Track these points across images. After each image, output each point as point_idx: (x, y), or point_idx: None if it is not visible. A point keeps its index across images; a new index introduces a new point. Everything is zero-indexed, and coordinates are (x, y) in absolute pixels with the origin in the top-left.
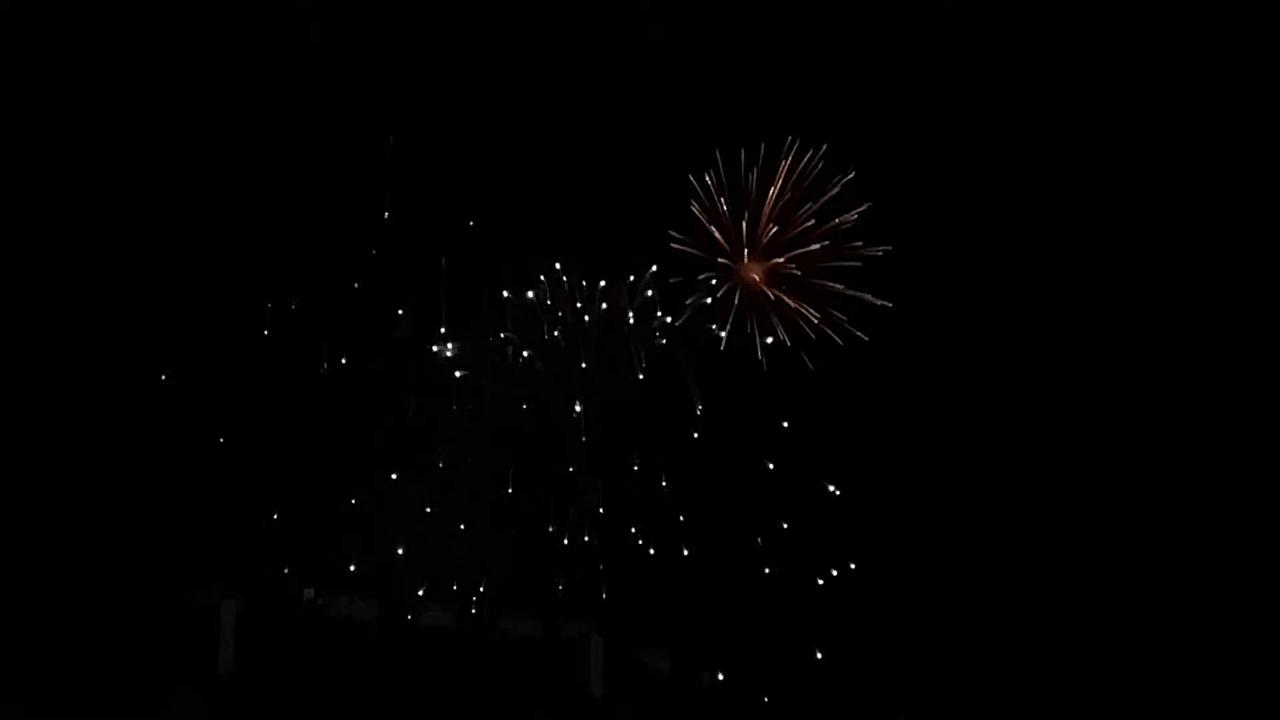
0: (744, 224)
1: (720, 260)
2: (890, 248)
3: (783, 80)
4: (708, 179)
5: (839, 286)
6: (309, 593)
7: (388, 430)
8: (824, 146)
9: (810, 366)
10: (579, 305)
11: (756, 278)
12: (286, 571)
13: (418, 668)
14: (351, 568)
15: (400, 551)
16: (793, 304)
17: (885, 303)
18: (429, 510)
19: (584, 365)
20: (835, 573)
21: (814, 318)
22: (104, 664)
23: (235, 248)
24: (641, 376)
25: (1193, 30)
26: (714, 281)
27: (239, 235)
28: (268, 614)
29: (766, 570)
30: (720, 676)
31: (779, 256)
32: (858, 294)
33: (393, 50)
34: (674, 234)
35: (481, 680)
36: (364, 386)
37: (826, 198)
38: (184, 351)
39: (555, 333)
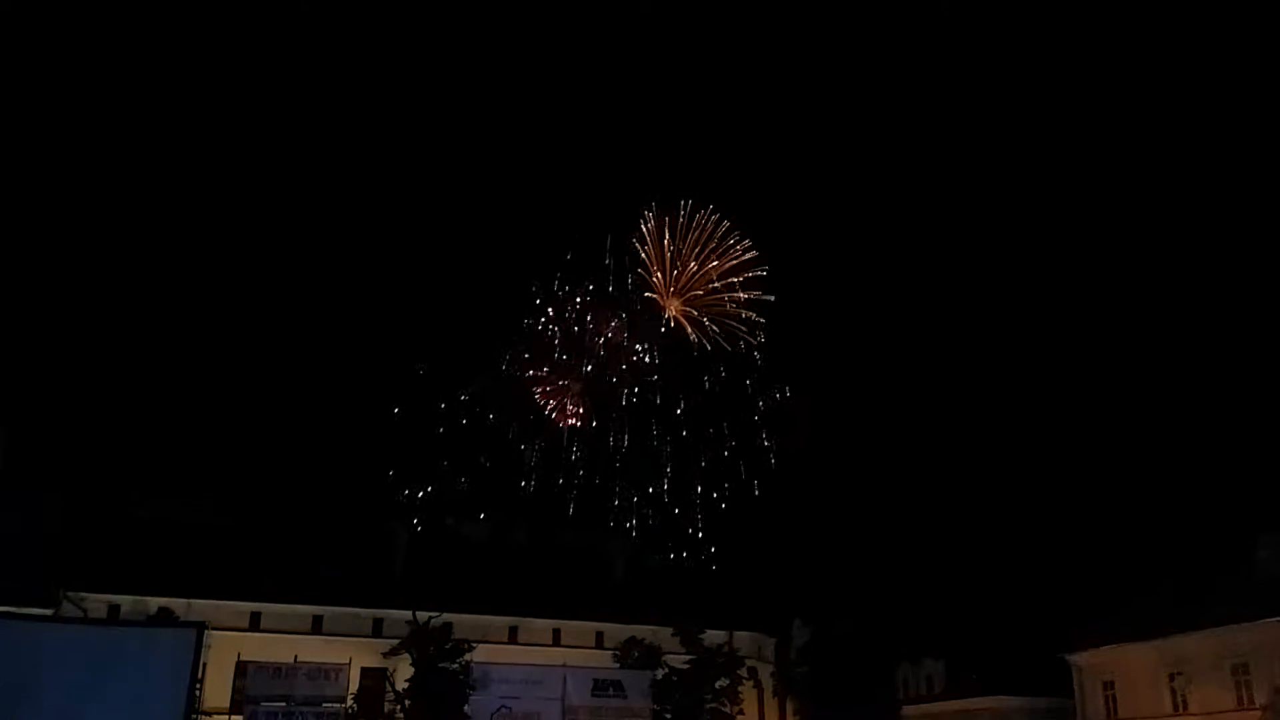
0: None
1: (652, 295)
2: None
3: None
4: (643, 247)
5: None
6: (449, 520)
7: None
8: (718, 216)
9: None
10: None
11: (675, 309)
12: (436, 509)
13: (511, 564)
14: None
15: None
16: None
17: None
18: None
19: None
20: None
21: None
22: (335, 561)
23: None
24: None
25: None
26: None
27: None
28: (424, 532)
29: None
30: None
31: (687, 299)
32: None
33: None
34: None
35: (548, 572)
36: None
37: (729, 259)
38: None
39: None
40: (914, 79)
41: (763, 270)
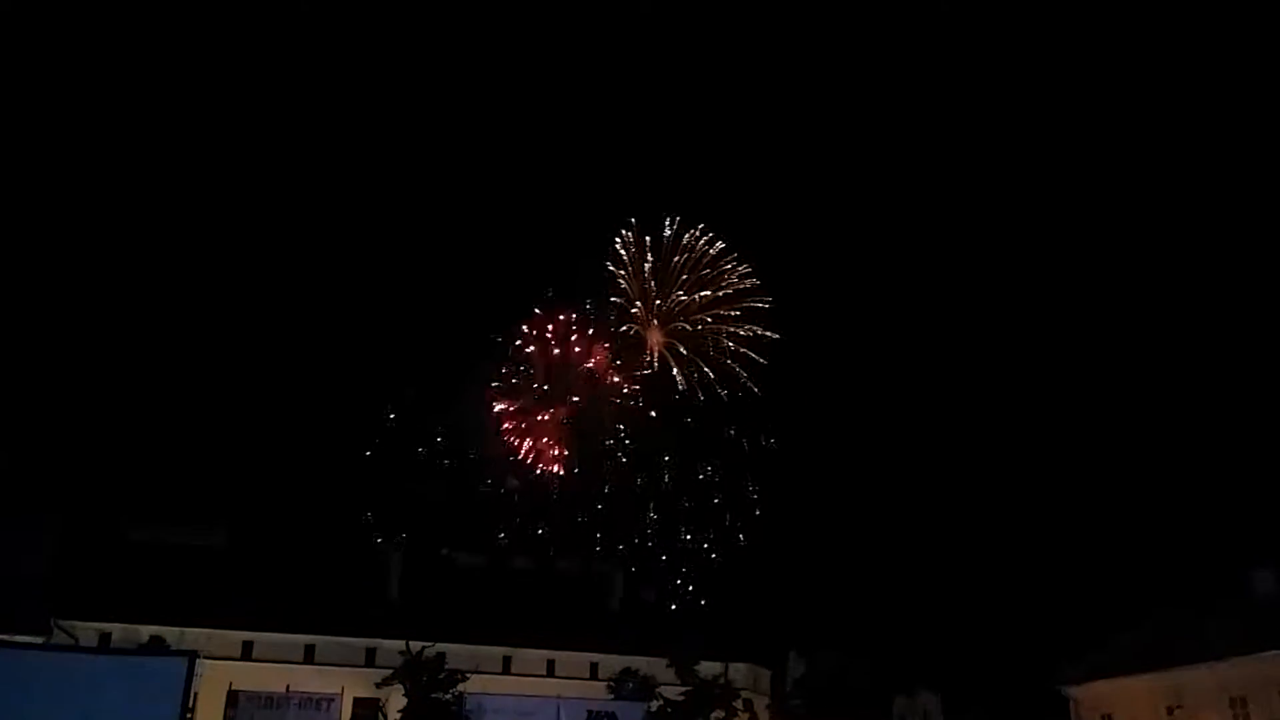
0: (644, 301)
1: (634, 327)
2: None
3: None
4: (619, 272)
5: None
6: (444, 550)
7: None
8: (710, 236)
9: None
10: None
11: (658, 343)
12: (430, 538)
13: (505, 594)
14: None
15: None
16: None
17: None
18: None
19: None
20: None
21: (709, 373)
22: (328, 590)
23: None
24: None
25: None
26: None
27: None
28: (419, 561)
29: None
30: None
31: (670, 331)
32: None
33: None
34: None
35: (543, 602)
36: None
37: (722, 279)
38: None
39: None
40: (919, 86)
41: (764, 301)
